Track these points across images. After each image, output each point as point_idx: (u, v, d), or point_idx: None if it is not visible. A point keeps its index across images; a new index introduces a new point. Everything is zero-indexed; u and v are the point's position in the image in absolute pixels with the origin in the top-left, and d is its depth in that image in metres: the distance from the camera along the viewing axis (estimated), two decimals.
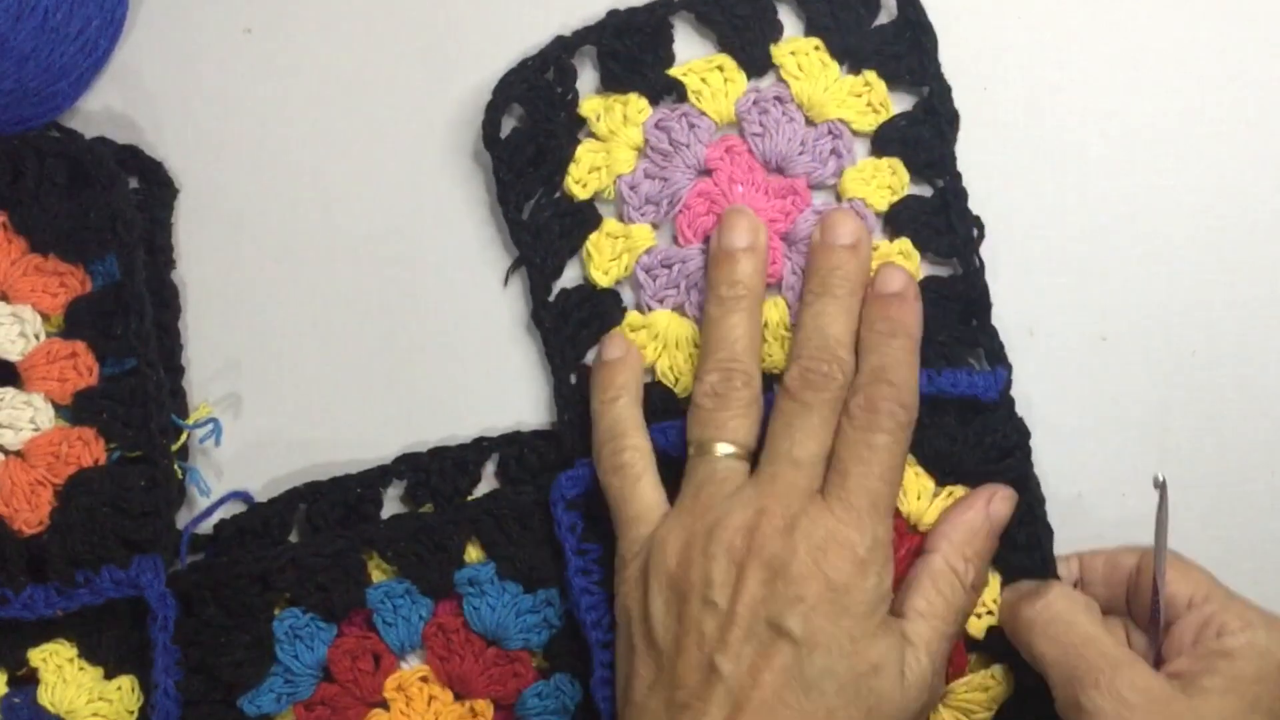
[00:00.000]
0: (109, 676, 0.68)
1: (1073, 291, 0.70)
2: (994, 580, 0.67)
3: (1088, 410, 0.69)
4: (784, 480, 0.62)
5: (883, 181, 0.69)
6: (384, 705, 0.68)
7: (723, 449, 0.63)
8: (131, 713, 0.68)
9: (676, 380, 0.68)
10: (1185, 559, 0.64)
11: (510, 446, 0.69)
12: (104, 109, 0.72)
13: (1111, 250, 0.70)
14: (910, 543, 0.66)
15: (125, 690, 0.68)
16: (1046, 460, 0.67)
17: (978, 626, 0.66)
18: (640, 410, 0.67)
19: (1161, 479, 0.62)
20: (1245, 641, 0.60)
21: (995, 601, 0.66)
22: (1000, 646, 0.66)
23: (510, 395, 0.70)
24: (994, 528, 0.65)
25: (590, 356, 0.69)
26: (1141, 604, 0.64)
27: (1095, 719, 0.58)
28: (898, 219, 0.68)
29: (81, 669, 0.68)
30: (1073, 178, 0.70)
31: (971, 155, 0.69)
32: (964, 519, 0.65)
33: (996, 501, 0.65)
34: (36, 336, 0.69)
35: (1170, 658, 0.62)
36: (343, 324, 0.71)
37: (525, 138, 0.69)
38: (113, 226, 0.68)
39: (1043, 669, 0.61)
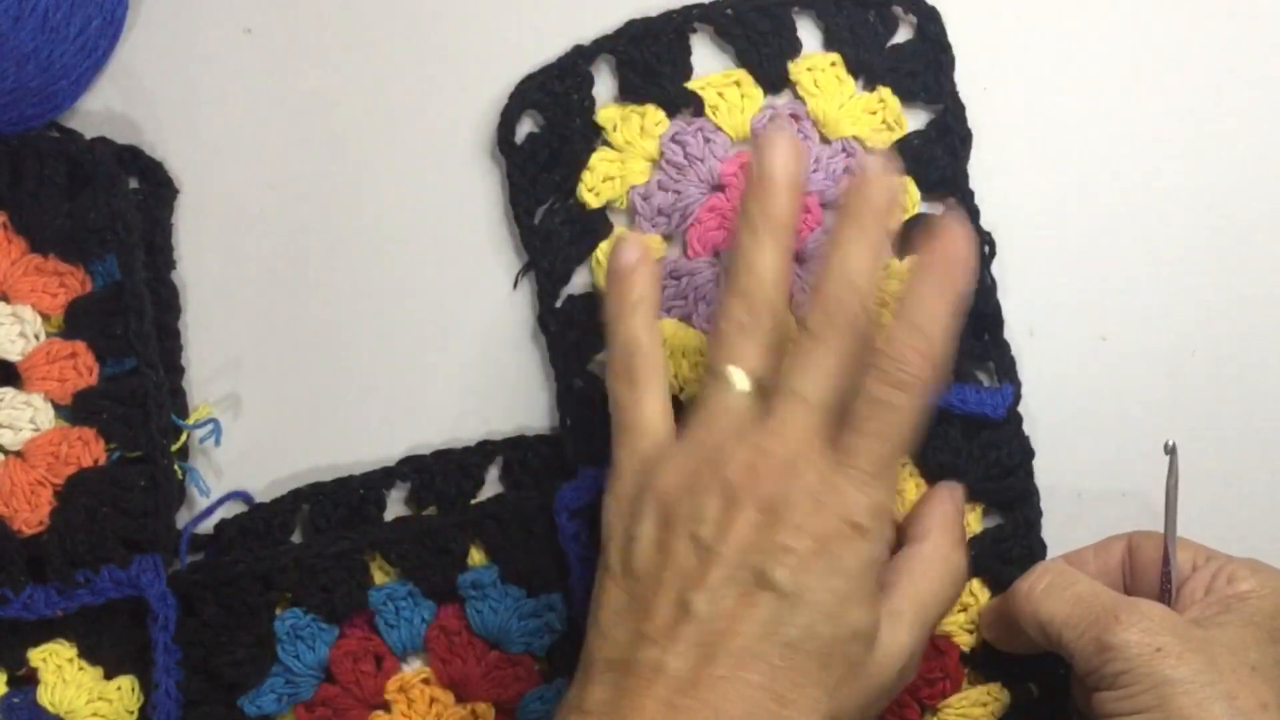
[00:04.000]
0: (109, 676, 0.68)
1: (1073, 291, 0.70)
2: (982, 593, 0.67)
3: (1088, 410, 0.69)
4: (794, 421, 0.58)
5: None
6: (385, 707, 0.68)
7: (738, 378, 0.59)
8: (131, 713, 0.68)
9: (681, 389, 0.68)
10: (1180, 536, 0.64)
11: (515, 450, 0.69)
12: (104, 109, 0.72)
13: (1111, 250, 0.70)
14: None
15: (125, 690, 0.68)
16: (1046, 460, 0.67)
17: (971, 640, 0.66)
18: (658, 323, 0.63)
19: (1172, 444, 0.62)
20: (1258, 583, 0.60)
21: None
22: (996, 662, 0.66)
23: (515, 399, 0.70)
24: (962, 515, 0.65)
25: (595, 362, 0.69)
26: (1141, 582, 0.64)
27: (1125, 651, 0.57)
28: (908, 237, 0.68)
29: (81, 669, 0.68)
30: (1072, 177, 0.70)
31: (972, 155, 0.69)
32: (944, 508, 0.64)
33: (957, 491, 0.65)
34: (36, 336, 0.69)
35: (1183, 612, 0.61)
36: (344, 324, 0.71)
37: (540, 143, 0.70)
38: (113, 226, 0.68)
39: (1054, 633, 0.60)
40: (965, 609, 0.66)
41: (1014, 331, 0.68)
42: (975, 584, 0.66)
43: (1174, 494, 0.63)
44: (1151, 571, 0.63)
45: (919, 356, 0.58)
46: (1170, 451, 0.62)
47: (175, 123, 0.72)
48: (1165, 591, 0.62)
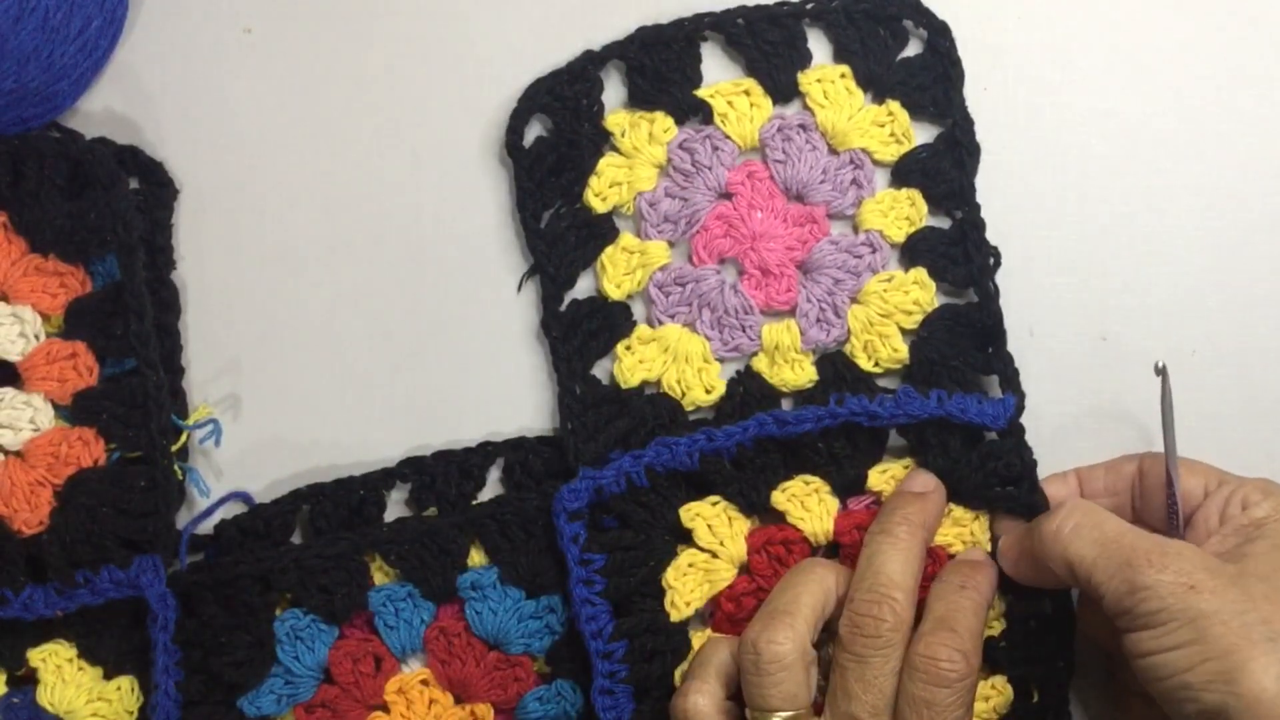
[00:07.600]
0: (109, 677, 0.68)
1: (1073, 291, 0.70)
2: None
3: (1088, 410, 0.69)
4: None
5: (901, 213, 0.69)
6: (384, 708, 0.68)
7: (778, 717, 0.62)
8: (131, 713, 0.68)
9: (684, 394, 0.68)
10: (1188, 458, 0.64)
11: (516, 452, 0.69)
12: (104, 109, 0.72)
13: (1111, 250, 0.70)
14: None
15: (125, 690, 0.68)
16: (1047, 460, 0.67)
17: None
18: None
19: (1162, 365, 0.63)
20: (1273, 506, 0.61)
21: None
22: (1000, 656, 0.66)
23: (516, 401, 0.70)
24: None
25: (597, 367, 0.69)
26: (1150, 505, 0.64)
27: (1159, 590, 0.57)
28: (915, 249, 0.69)
29: (81, 669, 0.68)
30: (1073, 177, 0.70)
31: None
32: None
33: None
34: (36, 336, 0.69)
35: (1201, 543, 0.61)
36: (345, 325, 0.71)
37: (548, 147, 0.70)
38: (113, 227, 0.68)
39: (1083, 574, 0.60)
40: None
41: (1014, 332, 0.68)
42: None
43: (1170, 418, 0.63)
44: (1160, 494, 0.64)
45: (945, 648, 0.60)
46: (1160, 372, 0.63)
47: (175, 123, 0.72)
48: (1172, 515, 0.63)
